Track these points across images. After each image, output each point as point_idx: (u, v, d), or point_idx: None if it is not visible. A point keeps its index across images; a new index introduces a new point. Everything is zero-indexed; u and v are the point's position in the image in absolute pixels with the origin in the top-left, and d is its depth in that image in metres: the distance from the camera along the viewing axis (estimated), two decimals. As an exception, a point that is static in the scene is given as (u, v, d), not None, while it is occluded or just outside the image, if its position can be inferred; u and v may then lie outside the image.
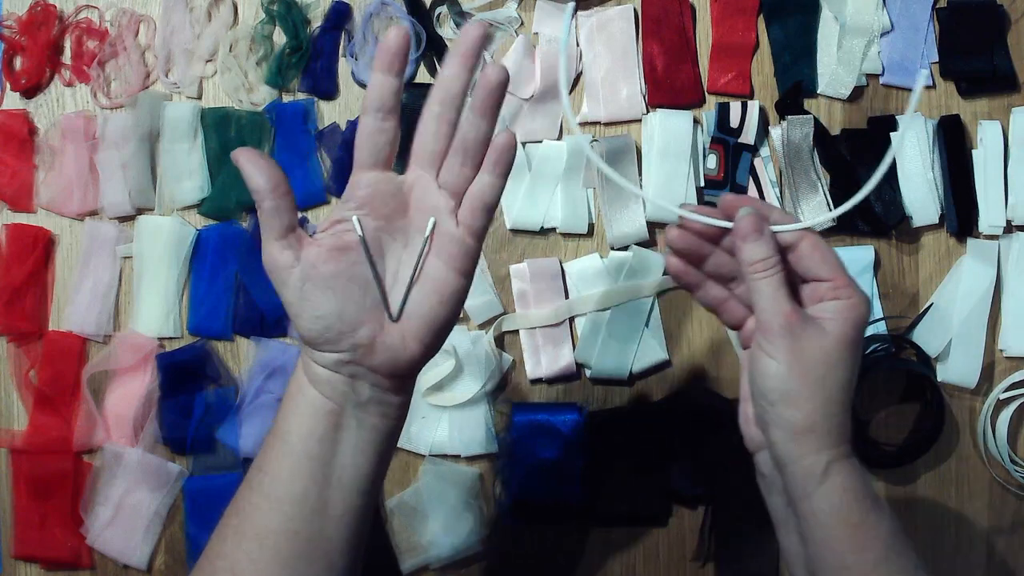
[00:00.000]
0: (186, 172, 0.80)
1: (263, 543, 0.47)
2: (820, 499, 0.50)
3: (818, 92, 0.79)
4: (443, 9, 0.80)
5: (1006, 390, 0.77)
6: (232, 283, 0.80)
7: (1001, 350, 0.78)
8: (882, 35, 0.79)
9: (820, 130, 0.77)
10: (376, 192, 0.48)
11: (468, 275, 0.49)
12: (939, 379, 0.77)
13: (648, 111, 0.79)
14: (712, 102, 0.79)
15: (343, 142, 0.79)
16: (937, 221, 0.78)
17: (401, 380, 0.50)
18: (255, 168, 0.47)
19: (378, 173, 0.49)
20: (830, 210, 0.76)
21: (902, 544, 0.50)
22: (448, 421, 0.78)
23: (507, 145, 0.49)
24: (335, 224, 0.48)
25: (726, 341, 0.79)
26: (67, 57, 0.82)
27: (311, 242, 0.48)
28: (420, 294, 0.48)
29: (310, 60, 0.80)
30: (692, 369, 0.79)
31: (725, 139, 0.77)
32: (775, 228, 0.53)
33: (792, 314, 0.51)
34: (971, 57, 0.78)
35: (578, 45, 0.80)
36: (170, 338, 0.80)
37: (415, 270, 0.48)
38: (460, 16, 0.80)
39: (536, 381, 0.79)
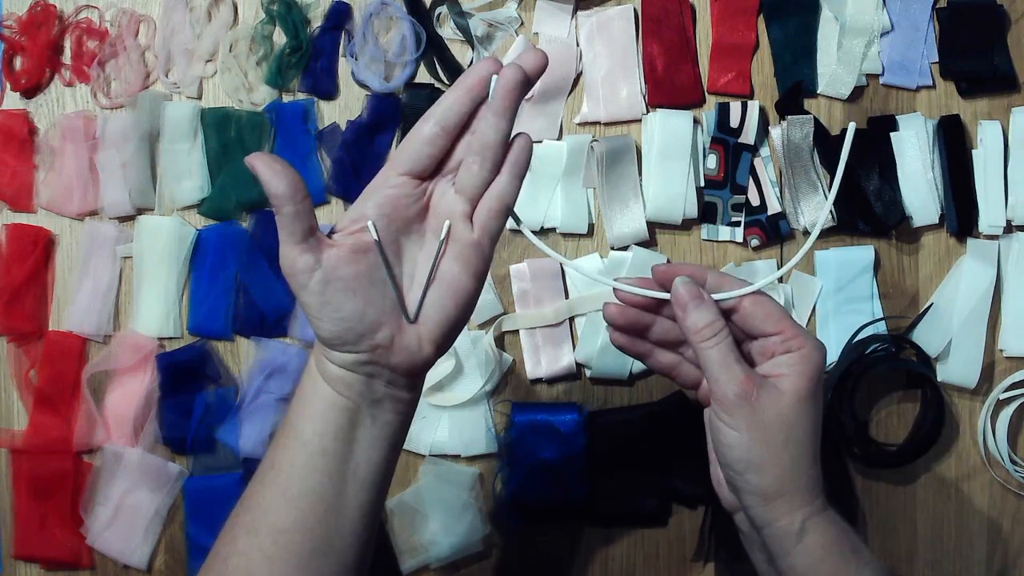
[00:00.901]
0: (186, 172, 0.80)
1: (278, 540, 0.47)
2: (799, 557, 0.50)
3: (818, 92, 0.79)
4: (443, 9, 0.80)
5: (1006, 390, 0.77)
6: (232, 283, 0.80)
7: (1001, 350, 0.78)
8: (882, 35, 0.79)
9: (820, 130, 0.77)
10: (402, 194, 0.48)
11: (481, 278, 0.50)
12: (939, 379, 0.77)
13: (648, 111, 0.79)
14: (712, 102, 0.79)
15: (343, 142, 0.79)
16: (937, 221, 0.78)
17: (414, 378, 0.50)
18: (272, 173, 0.45)
19: (409, 179, 0.49)
20: (830, 210, 0.76)
21: None
22: (448, 421, 0.78)
23: (524, 147, 0.49)
24: (353, 222, 0.48)
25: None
26: (67, 57, 0.82)
27: (330, 244, 0.47)
28: (435, 296, 0.48)
29: (310, 60, 0.80)
30: (692, 369, 0.79)
31: (725, 139, 0.77)
32: (717, 297, 0.52)
33: (746, 381, 0.50)
34: (971, 57, 0.78)
35: (578, 45, 0.80)
36: (170, 338, 0.80)
37: (431, 272, 0.48)
38: (460, 16, 0.80)
39: (536, 381, 0.79)
